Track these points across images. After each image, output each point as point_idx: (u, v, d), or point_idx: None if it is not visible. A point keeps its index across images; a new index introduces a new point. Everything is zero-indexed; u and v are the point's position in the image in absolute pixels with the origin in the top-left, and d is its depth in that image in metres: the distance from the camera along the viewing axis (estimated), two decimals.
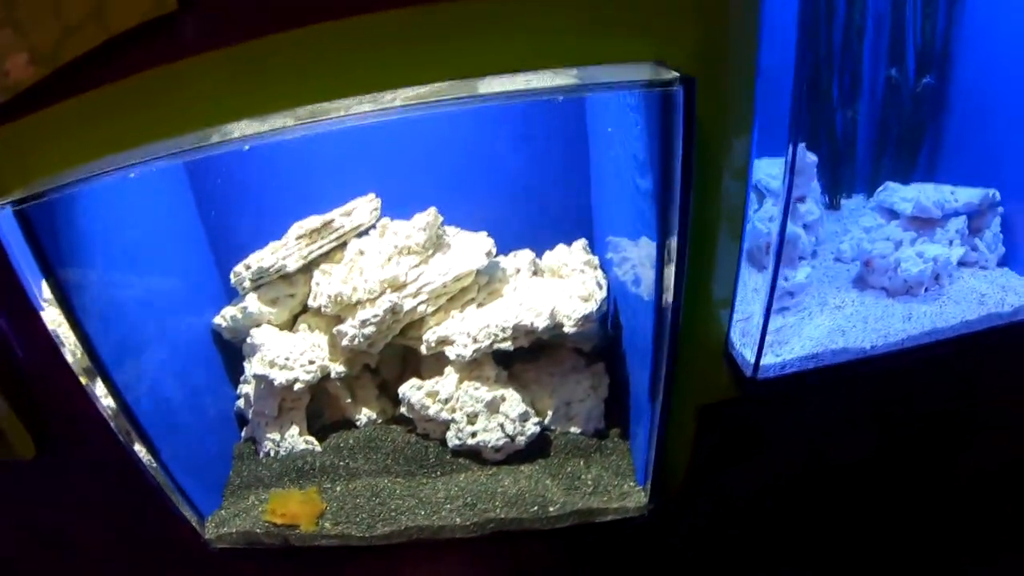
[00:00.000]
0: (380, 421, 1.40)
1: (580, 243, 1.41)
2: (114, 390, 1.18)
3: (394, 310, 1.29)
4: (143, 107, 1.02)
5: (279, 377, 1.31)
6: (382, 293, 1.30)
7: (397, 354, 1.42)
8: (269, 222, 1.43)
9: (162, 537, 1.52)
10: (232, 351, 1.47)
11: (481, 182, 1.43)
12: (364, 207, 1.37)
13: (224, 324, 1.41)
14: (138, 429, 1.23)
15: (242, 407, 1.45)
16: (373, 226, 1.38)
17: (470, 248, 1.34)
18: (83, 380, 1.16)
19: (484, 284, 1.36)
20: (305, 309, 1.43)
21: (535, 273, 1.40)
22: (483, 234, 1.38)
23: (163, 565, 1.59)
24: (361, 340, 1.29)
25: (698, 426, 1.26)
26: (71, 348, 1.12)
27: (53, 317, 1.10)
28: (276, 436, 1.37)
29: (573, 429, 1.34)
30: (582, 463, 1.31)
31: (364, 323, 1.28)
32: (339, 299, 1.31)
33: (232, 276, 1.40)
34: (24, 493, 1.67)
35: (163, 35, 0.99)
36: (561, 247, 1.41)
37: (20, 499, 1.69)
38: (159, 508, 1.47)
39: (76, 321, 1.10)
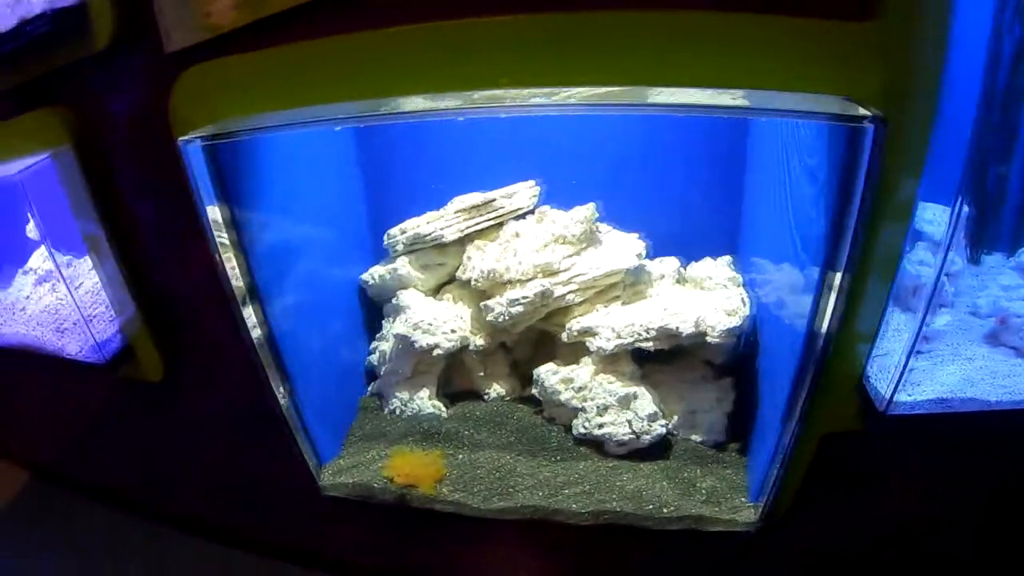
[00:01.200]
0: (507, 398, 1.45)
1: (726, 259, 1.43)
2: (264, 322, 1.23)
3: (545, 295, 1.33)
4: (331, 69, 1.07)
5: (421, 340, 1.37)
6: (534, 277, 1.35)
7: (532, 336, 1.46)
8: (424, 192, 1.49)
9: (275, 478, 1.58)
10: (370, 308, 1.54)
11: (636, 187, 1.47)
12: (524, 192, 1.42)
13: (371, 281, 1.47)
14: (279, 363, 1.29)
15: (374, 362, 1.51)
16: (531, 211, 1.42)
17: (621, 247, 1.38)
18: (238, 308, 1.21)
19: (629, 284, 1.40)
20: (450, 280, 1.48)
21: (677, 281, 1.44)
22: (634, 236, 1.42)
23: (270, 505, 1.66)
24: (507, 318, 1.34)
25: (818, 453, 1.29)
26: (233, 275, 1.17)
27: (219, 244, 1.15)
28: (405, 396, 1.43)
29: (694, 437, 1.37)
30: (699, 471, 1.34)
31: (513, 302, 1.33)
32: (492, 275, 1.36)
33: (386, 237, 1.46)
34: (144, 414, 1.76)
35: (359, 3, 1.04)
36: (708, 260, 1.44)
37: (139, 419, 1.78)
38: (279, 448, 1.52)
39: (243, 251, 1.17)
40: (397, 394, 1.44)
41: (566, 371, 1.36)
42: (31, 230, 1.69)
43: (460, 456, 1.35)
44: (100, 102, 1.31)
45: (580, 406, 1.34)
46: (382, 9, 1.05)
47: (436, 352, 1.38)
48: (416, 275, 1.44)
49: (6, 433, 2.34)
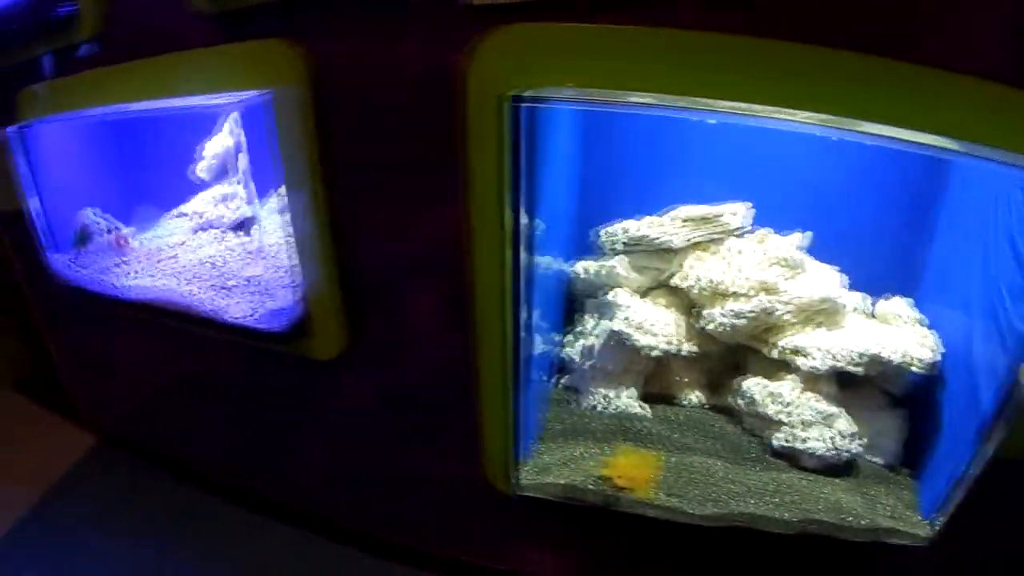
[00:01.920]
0: (704, 406, 1.50)
1: (908, 300, 1.57)
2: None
3: (766, 311, 1.41)
4: (631, 56, 1.10)
5: (641, 340, 1.40)
6: (756, 293, 1.42)
7: (733, 349, 1.53)
8: (632, 194, 1.53)
9: (443, 476, 1.53)
10: (563, 300, 1.54)
11: (829, 218, 1.57)
12: (744, 212, 1.49)
13: (582, 275, 1.49)
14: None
15: (570, 355, 1.52)
16: (748, 231, 1.50)
17: (826, 276, 1.48)
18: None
19: (827, 311, 1.50)
20: (657, 285, 1.52)
21: (864, 315, 1.55)
22: (834, 268, 1.52)
23: (429, 506, 1.59)
24: (726, 329, 1.41)
25: (996, 477, 1.42)
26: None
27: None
28: (611, 393, 1.45)
29: (876, 459, 1.48)
30: (881, 489, 1.44)
31: (737, 315, 1.40)
32: (716, 287, 1.42)
33: (603, 235, 1.49)
34: (294, 395, 1.65)
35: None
36: (897, 298, 1.56)
37: (284, 400, 1.67)
38: (455, 441, 1.48)
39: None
40: (601, 390, 1.46)
41: (774, 386, 1.43)
42: (200, 170, 1.56)
43: (673, 459, 1.38)
44: (346, 41, 1.26)
45: (784, 420, 1.41)
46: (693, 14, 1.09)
47: (654, 353, 1.41)
48: (633, 276, 1.48)
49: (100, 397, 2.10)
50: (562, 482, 1.35)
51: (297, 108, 1.29)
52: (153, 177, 1.67)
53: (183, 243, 1.56)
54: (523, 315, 1.27)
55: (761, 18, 1.04)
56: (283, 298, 1.38)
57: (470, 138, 1.19)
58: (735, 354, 1.54)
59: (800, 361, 1.41)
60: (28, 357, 2.37)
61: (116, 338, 1.84)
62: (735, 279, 1.42)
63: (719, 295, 1.43)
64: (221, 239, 1.54)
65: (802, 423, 1.41)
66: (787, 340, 1.43)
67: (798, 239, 1.46)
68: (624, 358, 1.45)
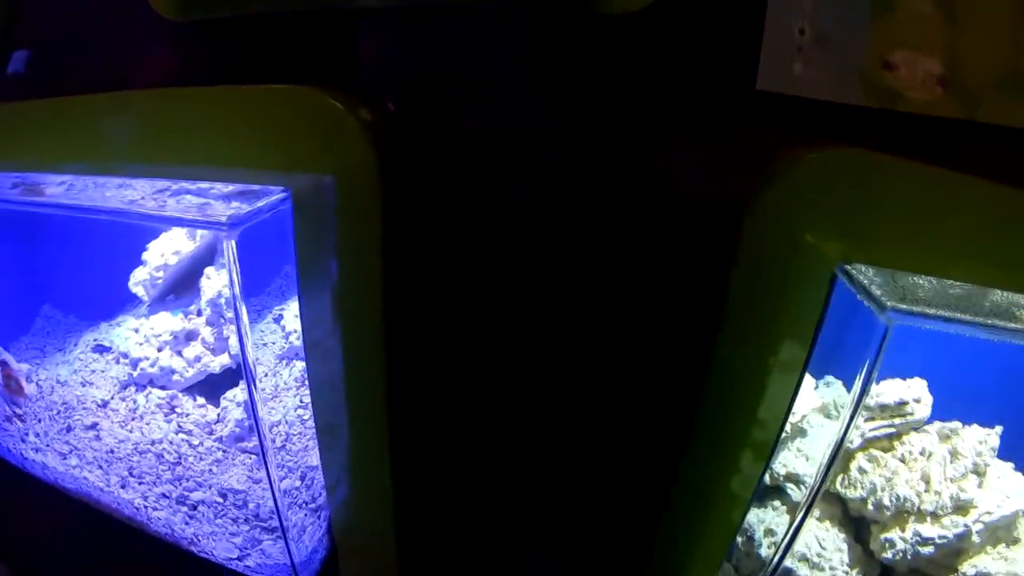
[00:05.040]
0: None
1: None
2: None
3: (959, 536, 1.07)
4: None
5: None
6: (946, 512, 1.08)
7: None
8: None
9: None
10: None
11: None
12: (927, 398, 1.15)
13: None
14: None
15: None
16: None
17: (1011, 482, 1.17)
18: None
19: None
20: None
21: None
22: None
23: None
24: (908, 558, 1.05)
25: None
26: None
27: None
28: None
29: None
30: None
31: (924, 541, 1.05)
32: (903, 503, 1.06)
33: None
34: None
35: None
36: None
37: None
38: None
39: None
40: None
41: None
42: (136, 283, 0.96)
43: None
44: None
45: None
46: None
47: None
48: None
49: None
50: None
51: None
52: (64, 279, 1.05)
53: (106, 403, 0.96)
54: None
55: None
56: (294, 530, 0.83)
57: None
58: None
59: None
60: None
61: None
62: (922, 494, 1.07)
63: (903, 514, 1.07)
64: (171, 409, 0.94)
65: None
66: (971, 566, 1.09)
67: (989, 436, 1.13)
68: None
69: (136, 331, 1.00)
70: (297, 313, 0.82)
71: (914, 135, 0.75)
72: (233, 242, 0.76)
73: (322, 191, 0.75)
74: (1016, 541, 1.21)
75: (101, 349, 1.05)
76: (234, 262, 0.77)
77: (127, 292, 1.08)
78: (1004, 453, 1.23)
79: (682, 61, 0.74)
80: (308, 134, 0.74)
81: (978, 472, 1.13)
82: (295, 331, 0.82)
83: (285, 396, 0.82)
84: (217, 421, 0.90)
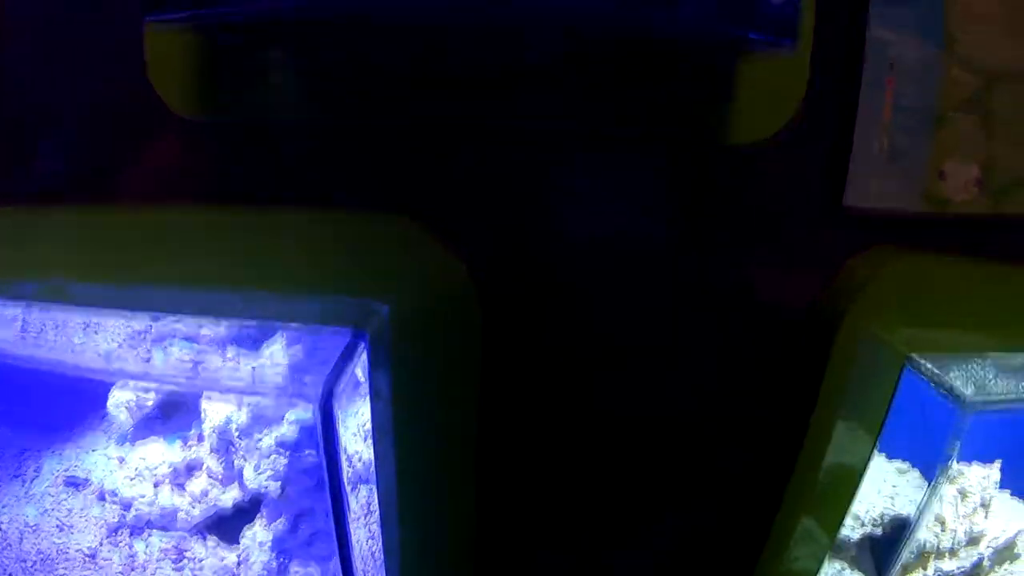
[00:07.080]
0: None
1: None
2: None
3: (976, 566, 1.12)
4: None
5: None
6: (960, 547, 1.13)
7: None
8: None
9: None
10: None
11: None
12: None
13: None
14: None
15: None
16: None
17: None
18: None
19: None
20: None
21: None
22: None
23: None
24: None
25: None
26: None
27: None
28: None
29: None
30: None
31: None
32: (924, 546, 1.10)
33: None
34: None
35: None
36: None
37: None
38: None
39: None
40: None
41: None
42: (115, 404, 0.80)
43: None
44: None
45: None
46: None
47: None
48: None
49: None
50: None
51: None
52: (12, 387, 0.88)
53: (95, 553, 0.81)
54: None
55: None
56: None
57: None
58: None
59: None
60: None
61: None
62: (939, 535, 1.12)
63: (924, 555, 1.11)
64: (179, 555, 0.80)
65: None
66: None
67: (991, 471, 1.19)
68: None
69: (121, 461, 0.85)
70: (356, 432, 0.73)
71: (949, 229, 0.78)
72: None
73: (426, 319, 0.66)
74: (1018, 557, 1.29)
75: (75, 483, 0.89)
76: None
77: (95, 407, 0.93)
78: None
79: (777, 183, 0.71)
80: (412, 265, 0.66)
81: (985, 505, 1.19)
82: (356, 453, 0.73)
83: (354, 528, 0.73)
84: (239, 564, 0.79)
